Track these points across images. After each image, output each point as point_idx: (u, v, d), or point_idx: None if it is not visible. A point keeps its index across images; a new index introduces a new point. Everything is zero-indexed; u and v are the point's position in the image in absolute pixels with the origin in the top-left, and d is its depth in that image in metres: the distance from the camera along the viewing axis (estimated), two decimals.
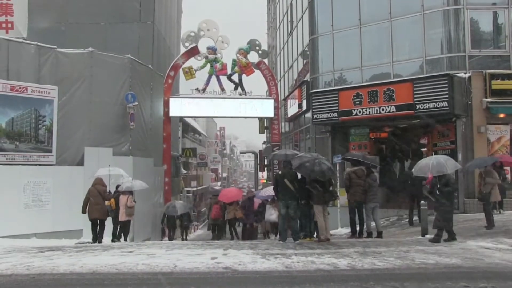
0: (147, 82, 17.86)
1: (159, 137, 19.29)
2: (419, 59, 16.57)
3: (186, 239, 19.31)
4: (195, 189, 38.27)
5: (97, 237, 11.25)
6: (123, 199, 11.69)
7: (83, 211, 11.04)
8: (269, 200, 14.05)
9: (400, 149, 18.77)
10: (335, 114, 16.92)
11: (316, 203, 9.32)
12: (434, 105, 14.53)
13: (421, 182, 13.23)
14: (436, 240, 8.72)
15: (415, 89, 14.94)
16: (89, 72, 15.02)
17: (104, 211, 11.20)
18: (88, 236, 12.12)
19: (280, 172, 9.81)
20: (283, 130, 27.31)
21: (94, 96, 15.03)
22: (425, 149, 18.02)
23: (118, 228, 11.83)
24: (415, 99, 14.87)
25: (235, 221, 15.61)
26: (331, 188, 9.48)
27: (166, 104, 19.75)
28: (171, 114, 20.08)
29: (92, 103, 14.99)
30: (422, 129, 17.80)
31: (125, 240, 11.76)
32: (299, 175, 9.46)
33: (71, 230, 12.69)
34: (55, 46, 14.67)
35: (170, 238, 17.73)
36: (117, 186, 12.25)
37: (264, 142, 37.31)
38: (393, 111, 15.48)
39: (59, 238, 12.47)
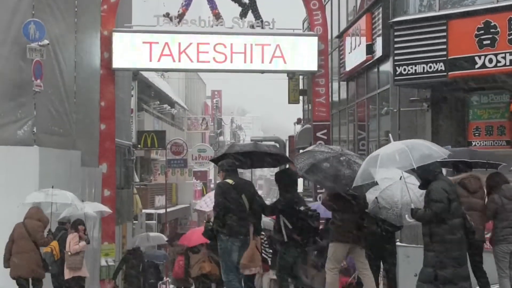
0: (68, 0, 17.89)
1: (93, 111, 19.42)
2: None
3: None
4: (162, 212, 38.49)
5: None
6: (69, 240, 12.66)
7: (5, 264, 11.80)
8: None
9: None
10: (440, 66, 17.09)
11: (333, 240, 10.20)
12: None
13: None
14: None
15: None
16: None
17: (36, 263, 11.80)
18: None
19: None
20: (335, 98, 27.33)
21: None
22: None
23: None
24: None
25: (207, 279, 16.86)
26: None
27: (106, 45, 19.73)
28: (116, 65, 20.05)
29: None
30: None
31: None
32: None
33: None
34: None
35: None
36: (60, 223, 13.26)
37: (299, 121, 38.15)
38: None
39: None
